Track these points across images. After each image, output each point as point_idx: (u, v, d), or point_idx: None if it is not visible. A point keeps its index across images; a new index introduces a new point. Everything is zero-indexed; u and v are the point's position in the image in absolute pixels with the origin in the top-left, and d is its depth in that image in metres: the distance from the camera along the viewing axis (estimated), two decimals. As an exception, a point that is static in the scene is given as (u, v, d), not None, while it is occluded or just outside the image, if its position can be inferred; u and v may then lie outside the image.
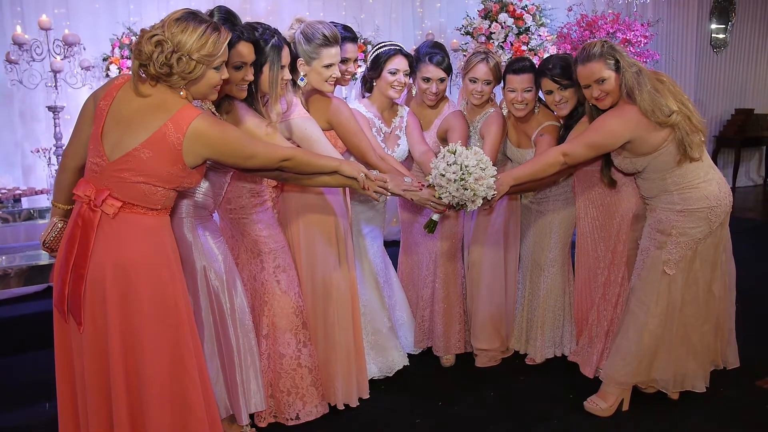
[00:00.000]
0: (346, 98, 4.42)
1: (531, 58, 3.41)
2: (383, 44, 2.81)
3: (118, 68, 4.69)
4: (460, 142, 2.45)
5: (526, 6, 5.54)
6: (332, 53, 2.44)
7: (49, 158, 4.46)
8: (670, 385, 2.61)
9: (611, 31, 5.75)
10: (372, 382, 2.80)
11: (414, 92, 2.97)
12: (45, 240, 2.01)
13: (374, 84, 2.82)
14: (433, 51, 2.81)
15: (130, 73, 1.78)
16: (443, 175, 2.30)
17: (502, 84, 2.88)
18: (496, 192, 2.36)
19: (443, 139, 2.89)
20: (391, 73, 2.74)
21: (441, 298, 3.04)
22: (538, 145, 2.80)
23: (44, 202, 4.42)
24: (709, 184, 2.45)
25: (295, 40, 2.42)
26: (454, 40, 5.83)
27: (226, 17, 2.04)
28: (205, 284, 2.17)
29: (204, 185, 2.14)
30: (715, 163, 2.56)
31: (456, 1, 6.31)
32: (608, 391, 2.61)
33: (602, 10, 6.38)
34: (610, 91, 2.43)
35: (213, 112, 2.08)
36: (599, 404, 2.60)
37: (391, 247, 3.30)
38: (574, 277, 3.00)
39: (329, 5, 5.87)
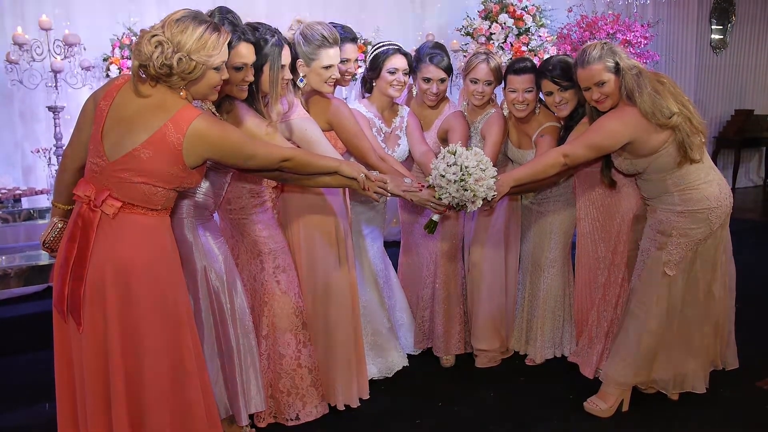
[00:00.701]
0: (346, 99, 4.42)
1: (531, 58, 3.41)
2: (382, 44, 2.81)
3: (119, 68, 4.69)
4: (461, 142, 2.45)
5: (526, 7, 5.54)
6: (331, 54, 2.44)
7: (49, 158, 4.46)
8: (670, 385, 2.61)
9: (611, 32, 5.75)
10: (372, 382, 2.80)
11: (414, 92, 2.97)
12: (45, 240, 2.01)
13: (374, 84, 2.83)
14: (434, 51, 2.82)
15: (130, 73, 1.78)
16: (443, 176, 2.30)
17: (502, 84, 2.88)
18: (496, 193, 2.36)
19: (443, 140, 2.89)
20: (390, 72, 2.74)
21: (441, 299, 3.04)
22: (538, 146, 2.80)
23: (44, 202, 4.42)
24: (709, 186, 2.45)
25: (295, 41, 2.42)
26: (455, 41, 5.82)
27: (227, 18, 2.04)
28: (206, 284, 2.17)
29: (204, 185, 2.14)
30: (715, 164, 2.57)
31: (456, 1, 6.31)
32: (608, 392, 2.61)
33: (602, 11, 6.38)
34: (609, 93, 2.43)
35: (213, 113, 2.08)
36: (599, 405, 2.60)
37: (391, 247, 3.30)
38: (575, 277, 3.00)
39: (329, 5, 5.87)
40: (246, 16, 2.17)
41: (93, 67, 4.65)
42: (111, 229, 1.77)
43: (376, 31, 5.71)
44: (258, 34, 2.13)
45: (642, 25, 5.97)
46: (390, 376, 2.91)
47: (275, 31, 2.19)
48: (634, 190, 2.68)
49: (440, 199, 2.35)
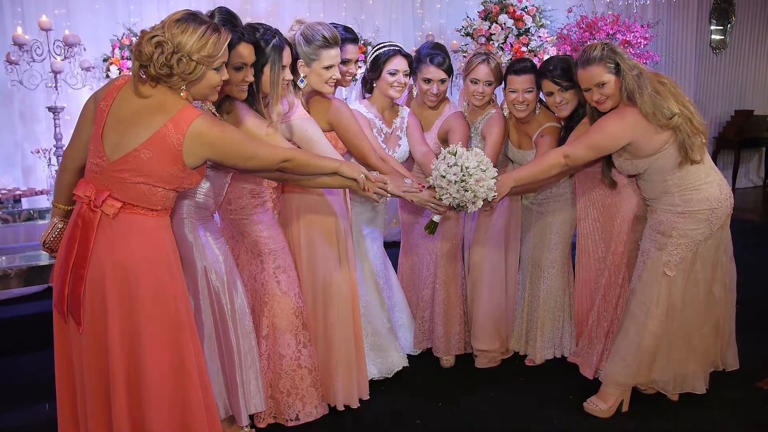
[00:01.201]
0: (346, 99, 4.42)
1: (531, 59, 3.41)
2: (382, 45, 2.81)
3: (119, 69, 4.69)
4: (461, 143, 2.45)
5: (526, 7, 5.55)
6: (332, 55, 2.44)
7: (50, 159, 4.47)
8: (670, 386, 2.61)
9: (611, 32, 5.75)
10: (372, 382, 2.79)
11: (415, 93, 2.97)
12: (45, 240, 2.01)
13: (374, 85, 2.83)
14: (434, 52, 2.82)
15: (131, 73, 1.79)
16: (444, 177, 2.30)
17: (503, 85, 2.89)
18: (496, 193, 2.36)
19: (444, 140, 2.89)
20: (390, 73, 2.74)
21: (441, 299, 3.04)
22: (538, 146, 2.80)
23: (44, 202, 4.43)
24: (710, 186, 2.45)
25: (295, 42, 2.42)
26: (454, 41, 5.83)
27: (227, 18, 2.04)
28: (206, 285, 2.17)
29: (205, 186, 2.14)
30: (715, 164, 2.57)
31: (456, 2, 6.32)
32: (608, 392, 2.61)
33: (602, 11, 6.39)
34: (610, 94, 2.43)
35: (213, 113, 2.08)
36: (599, 405, 2.60)
37: (391, 248, 3.30)
38: (575, 278, 3.00)
39: (330, 6, 5.87)
40: (246, 17, 2.17)
41: (93, 67, 4.66)
42: (111, 229, 1.77)
43: (376, 32, 5.72)
44: (258, 35, 2.13)
45: (642, 26, 5.97)
46: (390, 376, 2.91)
47: (276, 32, 2.19)
48: (634, 190, 2.68)
49: (441, 199, 2.35)
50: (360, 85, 2.98)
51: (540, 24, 5.59)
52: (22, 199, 4.25)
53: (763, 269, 4.61)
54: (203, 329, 2.17)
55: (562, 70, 2.68)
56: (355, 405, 2.66)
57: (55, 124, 4.45)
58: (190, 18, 1.75)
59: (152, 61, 1.71)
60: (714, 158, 7.64)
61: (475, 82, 2.86)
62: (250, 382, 2.29)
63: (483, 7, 5.68)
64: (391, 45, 2.80)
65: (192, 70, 1.74)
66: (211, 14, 2.05)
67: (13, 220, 3.89)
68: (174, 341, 1.83)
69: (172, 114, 1.74)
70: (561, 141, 2.75)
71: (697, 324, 2.54)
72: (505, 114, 2.95)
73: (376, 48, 2.81)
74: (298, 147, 2.32)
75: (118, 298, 1.76)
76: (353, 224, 2.81)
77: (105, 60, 4.78)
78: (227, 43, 1.80)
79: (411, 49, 3.04)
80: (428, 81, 2.83)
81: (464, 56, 5.44)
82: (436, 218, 2.49)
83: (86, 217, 1.77)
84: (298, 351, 2.48)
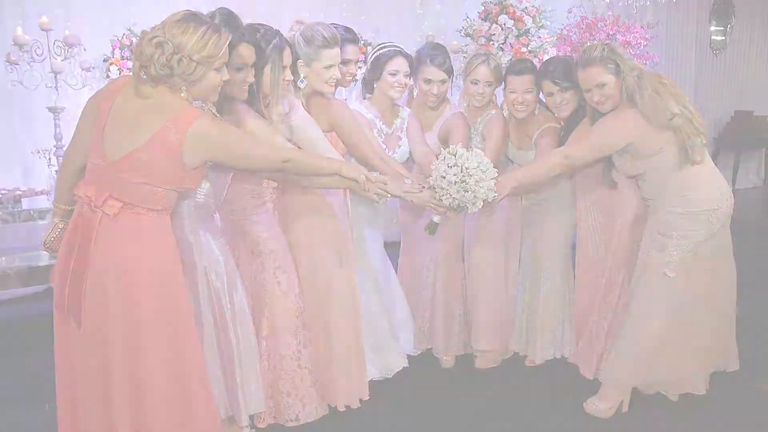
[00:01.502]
0: (346, 99, 4.42)
1: (531, 59, 3.42)
2: (383, 45, 2.82)
3: (119, 69, 4.70)
4: (461, 144, 2.45)
5: (526, 8, 5.55)
6: (332, 54, 2.44)
7: (50, 159, 4.47)
8: (670, 387, 2.61)
9: (611, 33, 5.75)
10: (372, 383, 2.79)
11: (415, 94, 2.98)
12: (46, 240, 2.02)
13: (375, 85, 2.83)
14: (435, 52, 2.82)
15: (131, 74, 1.79)
16: (444, 177, 2.30)
17: (503, 85, 2.89)
18: (496, 194, 2.36)
19: (444, 141, 2.89)
20: (391, 74, 2.75)
21: (441, 300, 3.04)
22: (538, 147, 2.81)
23: (44, 202, 4.43)
24: (710, 187, 2.45)
25: (295, 42, 2.42)
26: (454, 42, 5.82)
27: (228, 19, 2.04)
28: (206, 285, 2.17)
29: (205, 186, 2.14)
30: (715, 164, 2.58)
31: (456, 2, 6.32)
32: (608, 393, 2.61)
33: (602, 12, 6.39)
34: (610, 95, 2.44)
35: (214, 113, 2.08)
36: (599, 405, 2.60)
37: (391, 248, 3.29)
38: (575, 278, 3.00)
39: (330, 6, 5.87)
40: (246, 17, 2.17)
41: (93, 67, 4.67)
42: (112, 229, 1.77)
43: (376, 32, 5.72)
44: (259, 35, 2.13)
45: (642, 26, 5.97)
46: (390, 376, 2.91)
47: (276, 33, 2.20)
48: (634, 191, 2.68)
49: (441, 200, 2.36)
50: (360, 85, 2.99)
51: (540, 25, 5.58)
52: (22, 200, 4.25)
53: (763, 269, 4.60)
54: (203, 329, 2.17)
55: (563, 71, 2.68)
56: (356, 405, 2.66)
57: (55, 124, 4.44)
58: (191, 18, 1.75)
59: (153, 62, 1.71)
60: (714, 159, 7.55)
61: (475, 83, 2.87)
62: (250, 383, 2.29)
63: (483, 8, 5.67)
64: (391, 45, 2.80)
65: (192, 71, 1.75)
66: (212, 15, 2.05)
67: (13, 220, 3.90)
68: (174, 342, 1.83)
69: (172, 114, 1.74)
70: (561, 141, 2.76)
71: (697, 325, 2.53)
72: (505, 114, 2.96)
73: (377, 48, 2.81)
74: (299, 147, 2.32)
75: (118, 298, 1.76)
76: (353, 225, 2.81)
77: (105, 60, 4.79)
78: (228, 43, 1.81)
79: (411, 50, 3.04)
80: (428, 81, 2.83)
81: (464, 57, 5.44)
82: (436, 219, 2.49)
83: (87, 218, 1.77)
84: (298, 351, 2.48)
